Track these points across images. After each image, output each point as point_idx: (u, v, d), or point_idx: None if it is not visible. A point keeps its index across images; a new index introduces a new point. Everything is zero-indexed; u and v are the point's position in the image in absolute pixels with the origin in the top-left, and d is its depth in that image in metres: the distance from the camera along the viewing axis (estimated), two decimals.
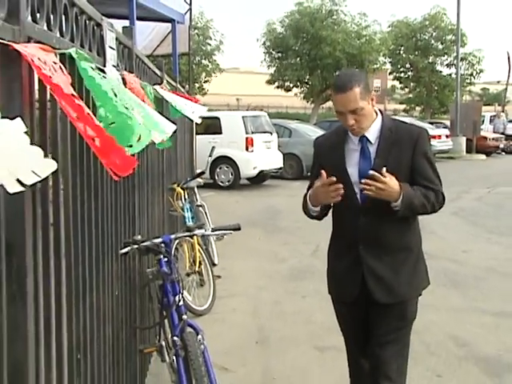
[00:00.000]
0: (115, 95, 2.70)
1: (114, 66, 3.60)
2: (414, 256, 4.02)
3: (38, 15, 2.26)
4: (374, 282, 3.91)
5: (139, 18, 15.52)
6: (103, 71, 3.34)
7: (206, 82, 42.94)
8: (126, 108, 2.78)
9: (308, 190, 4.16)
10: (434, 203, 3.88)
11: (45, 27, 2.35)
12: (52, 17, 2.45)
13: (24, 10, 2.03)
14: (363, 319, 4.07)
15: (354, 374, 4.28)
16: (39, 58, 2.03)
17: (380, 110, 4.03)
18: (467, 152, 34.11)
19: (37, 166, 1.63)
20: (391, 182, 3.68)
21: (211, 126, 19.89)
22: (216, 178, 20.13)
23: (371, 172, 3.70)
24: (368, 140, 3.90)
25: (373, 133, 3.90)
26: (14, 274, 2.00)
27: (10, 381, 1.98)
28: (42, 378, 2.26)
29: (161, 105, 6.02)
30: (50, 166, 1.71)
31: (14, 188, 1.65)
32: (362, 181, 3.71)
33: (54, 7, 2.48)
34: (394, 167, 3.78)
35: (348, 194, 3.79)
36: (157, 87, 5.77)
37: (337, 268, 4.14)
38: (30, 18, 2.15)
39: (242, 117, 20.43)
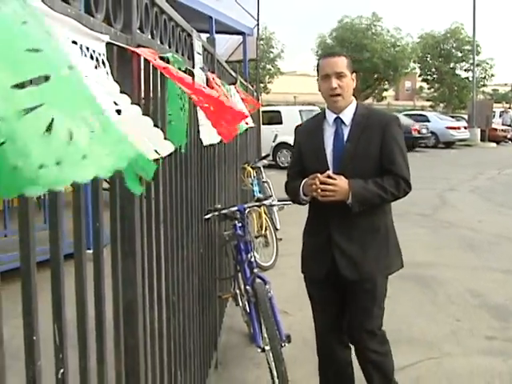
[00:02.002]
0: (180, 99, 2.66)
1: (200, 68, 3.58)
2: (381, 236, 3.54)
3: (144, 27, 2.26)
4: (342, 260, 3.48)
5: (217, 32, 15.57)
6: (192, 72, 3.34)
7: (269, 82, 43.30)
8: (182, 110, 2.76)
9: (288, 176, 3.92)
10: (394, 192, 3.40)
11: (149, 36, 2.36)
12: (154, 29, 2.46)
13: (135, 23, 2.04)
14: (334, 298, 3.69)
15: (322, 347, 3.95)
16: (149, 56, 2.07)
17: (356, 97, 3.68)
18: (481, 140, 33.46)
19: (158, 145, 1.59)
20: (340, 183, 3.33)
21: (274, 118, 20.23)
22: (277, 159, 20.32)
23: (320, 177, 3.35)
24: (342, 122, 3.52)
25: (347, 115, 3.53)
26: (127, 236, 2.01)
27: (124, 317, 2.02)
28: (147, 315, 2.30)
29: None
30: (169, 147, 1.66)
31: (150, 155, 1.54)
32: (320, 186, 3.34)
33: (156, 21, 2.49)
34: (363, 152, 3.42)
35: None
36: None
37: (309, 247, 3.73)
38: (138, 30, 2.16)
39: (299, 110, 20.54)
